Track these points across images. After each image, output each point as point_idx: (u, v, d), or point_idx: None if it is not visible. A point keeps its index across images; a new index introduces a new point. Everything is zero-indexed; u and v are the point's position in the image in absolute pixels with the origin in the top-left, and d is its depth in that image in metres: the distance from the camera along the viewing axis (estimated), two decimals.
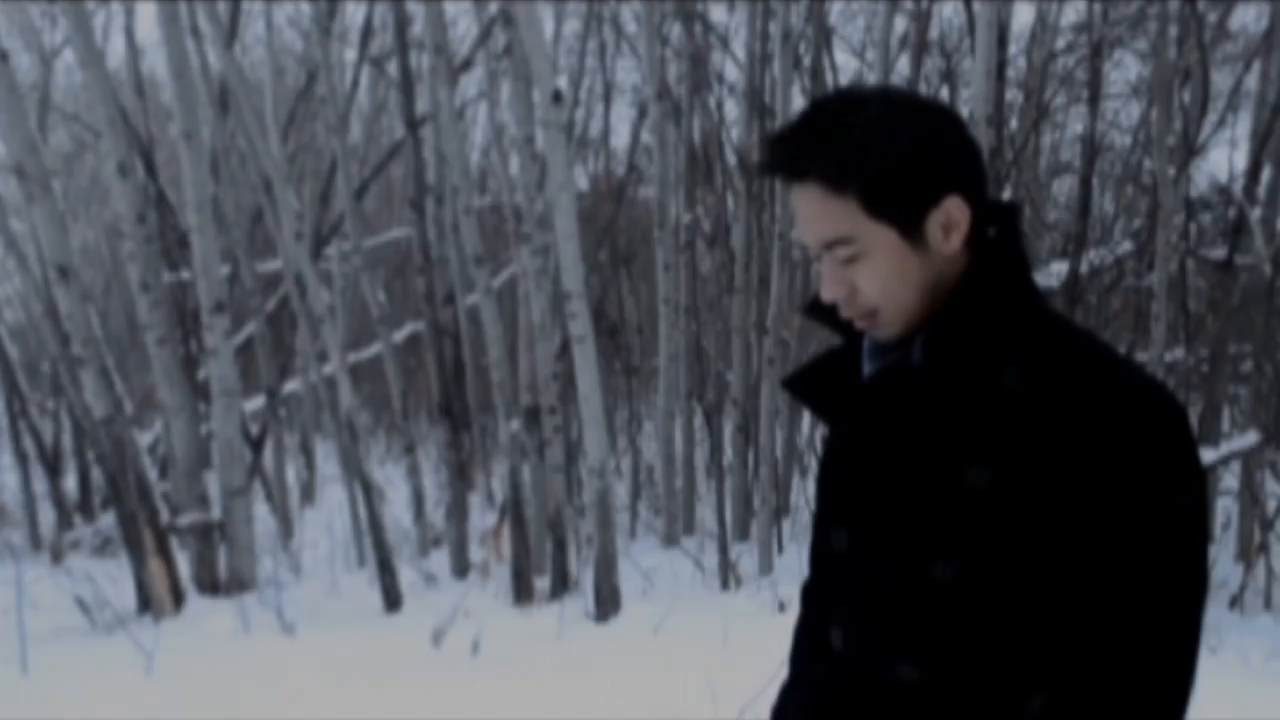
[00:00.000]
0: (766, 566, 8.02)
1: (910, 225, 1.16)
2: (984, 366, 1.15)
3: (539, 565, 7.34)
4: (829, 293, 1.21)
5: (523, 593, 6.75)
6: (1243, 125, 9.44)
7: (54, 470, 10.71)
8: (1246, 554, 7.63)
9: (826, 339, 1.33)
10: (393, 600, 6.50)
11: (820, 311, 1.28)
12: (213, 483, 7.06)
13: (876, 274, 1.17)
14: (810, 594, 1.47)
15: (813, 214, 1.17)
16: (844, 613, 1.30)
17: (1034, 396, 1.12)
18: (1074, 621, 1.11)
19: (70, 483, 11.22)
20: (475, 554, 8.37)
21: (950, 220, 1.16)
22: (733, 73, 11.10)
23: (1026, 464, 1.11)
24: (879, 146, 1.14)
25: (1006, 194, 7.68)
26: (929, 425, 1.18)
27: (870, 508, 1.24)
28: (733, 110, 11.21)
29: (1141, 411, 1.10)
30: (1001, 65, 7.03)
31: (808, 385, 1.34)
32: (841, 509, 1.29)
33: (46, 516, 10.70)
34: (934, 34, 9.75)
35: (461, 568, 8.19)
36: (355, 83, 11.19)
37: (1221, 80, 9.54)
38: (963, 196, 1.16)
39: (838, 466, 1.31)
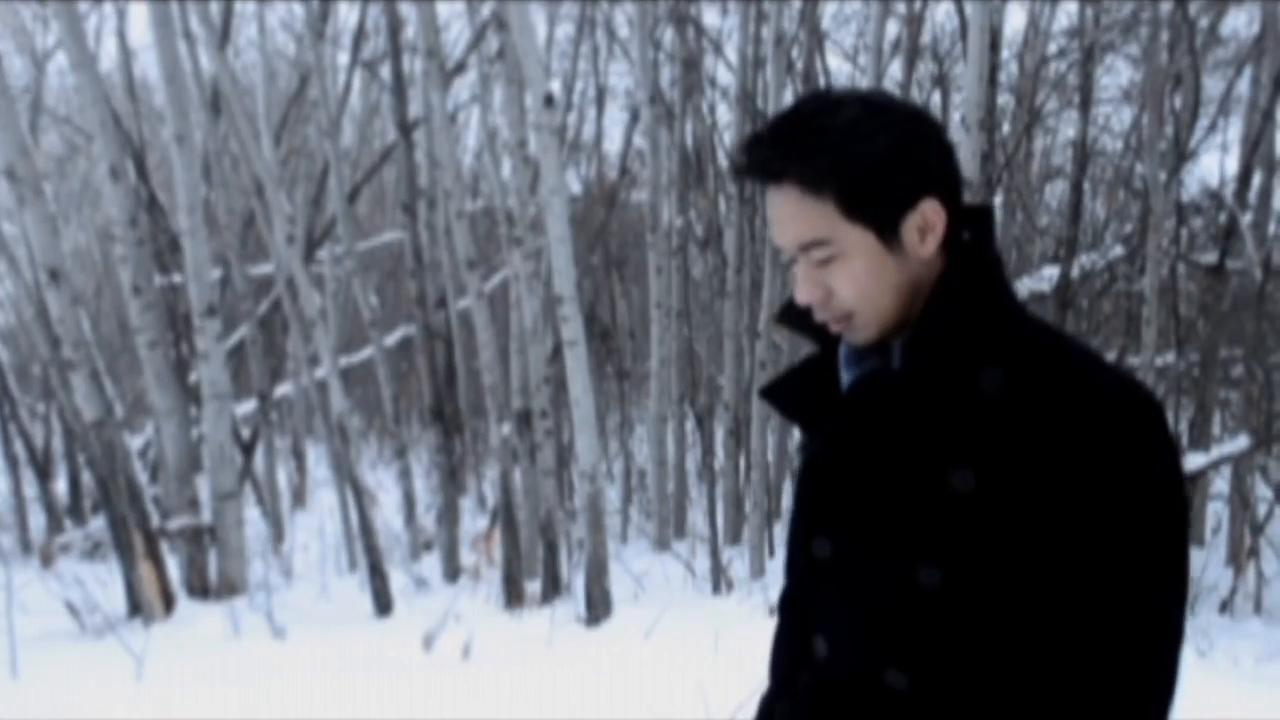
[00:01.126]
0: (758, 570, 8.03)
1: (887, 227, 1.16)
2: (963, 370, 1.15)
3: (530, 569, 7.34)
4: (804, 295, 1.20)
5: (514, 596, 6.74)
6: (1234, 130, 9.49)
7: (44, 474, 10.69)
8: (1237, 558, 7.65)
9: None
10: (383, 604, 6.49)
11: (794, 317, 1.28)
12: (203, 486, 7.05)
13: (853, 276, 1.17)
14: (788, 604, 1.45)
15: (789, 215, 1.17)
16: (828, 621, 1.28)
17: (1013, 399, 1.12)
18: (1058, 623, 1.10)
19: (60, 486, 11.21)
20: (466, 558, 8.36)
21: (926, 223, 1.16)
22: (725, 77, 11.16)
23: (1008, 466, 1.11)
24: (856, 148, 1.14)
25: (998, 199, 7.70)
26: (911, 430, 1.17)
27: (854, 514, 1.23)
28: (725, 114, 11.24)
29: (1119, 411, 1.10)
30: (994, 70, 7.03)
31: (786, 395, 1.34)
32: (824, 516, 1.28)
33: (36, 520, 10.69)
34: (926, 38, 9.79)
35: (453, 572, 8.18)
36: (348, 86, 11.19)
37: (1213, 85, 9.57)
38: (939, 199, 1.16)
39: (819, 474, 1.29)
